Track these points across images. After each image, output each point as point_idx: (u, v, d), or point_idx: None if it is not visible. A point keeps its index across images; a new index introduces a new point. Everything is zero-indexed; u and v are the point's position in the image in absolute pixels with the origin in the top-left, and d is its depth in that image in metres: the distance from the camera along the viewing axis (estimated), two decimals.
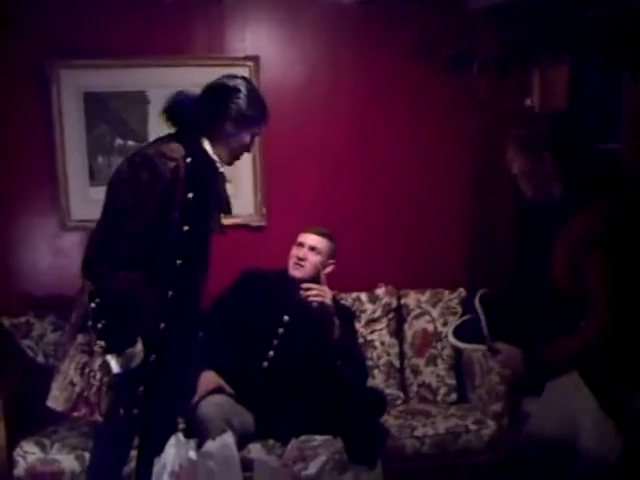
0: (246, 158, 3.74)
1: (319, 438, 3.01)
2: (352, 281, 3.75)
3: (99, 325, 2.40)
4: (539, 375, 2.44)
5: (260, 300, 3.25)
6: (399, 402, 3.67)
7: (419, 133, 3.93)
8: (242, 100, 2.57)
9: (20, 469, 3.14)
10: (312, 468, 2.42)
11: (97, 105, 3.69)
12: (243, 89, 2.59)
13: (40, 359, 3.51)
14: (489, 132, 3.80)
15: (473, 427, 3.39)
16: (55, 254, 3.76)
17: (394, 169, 3.94)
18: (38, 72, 3.61)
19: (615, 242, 2.23)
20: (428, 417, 3.47)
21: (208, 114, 2.57)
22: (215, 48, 3.77)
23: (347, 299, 3.74)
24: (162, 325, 2.52)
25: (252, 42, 3.79)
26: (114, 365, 2.43)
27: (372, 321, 3.75)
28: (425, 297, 3.83)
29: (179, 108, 2.58)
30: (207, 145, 2.57)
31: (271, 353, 3.17)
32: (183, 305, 2.58)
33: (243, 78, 2.67)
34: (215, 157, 2.59)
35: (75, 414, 2.50)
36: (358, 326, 3.65)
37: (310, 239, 3.24)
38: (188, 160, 2.49)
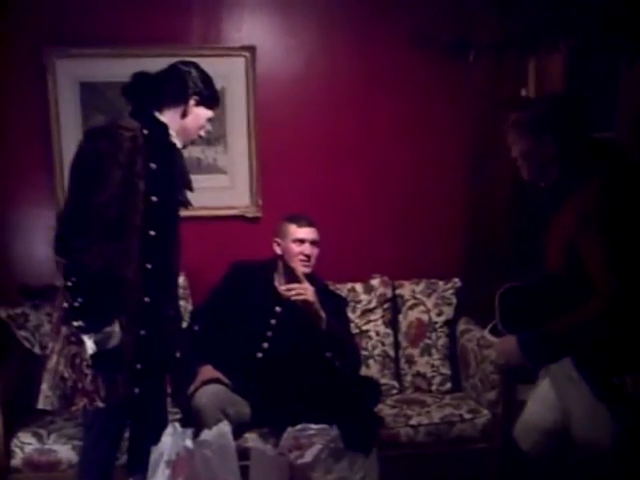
0: (242, 149, 3.81)
1: (314, 427, 3.02)
2: (347, 272, 3.78)
3: (75, 304, 2.39)
4: (537, 357, 2.42)
5: (251, 292, 3.26)
6: (394, 392, 3.69)
7: (415, 122, 3.93)
8: (198, 80, 2.63)
9: (17, 459, 3.15)
10: (308, 456, 2.43)
11: (93, 95, 3.68)
12: (196, 71, 2.64)
13: (36, 350, 3.49)
14: (485, 120, 3.81)
15: (467, 416, 3.40)
16: (51, 245, 3.74)
17: (390, 159, 3.94)
18: (34, 62, 3.60)
19: (612, 222, 2.23)
20: (423, 406, 3.48)
21: (165, 92, 2.61)
22: (211, 38, 3.78)
23: (342, 290, 3.75)
24: (147, 299, 2.53)
25: (248, 32, 3.80)
26: (90, 345, 2.41)
27: (367, 311, 3.77)
28: (420, 287, 3.85)
29: (135, 86, 2.62)
30: (164, 118, 2.60)
31: (265, 344, 3.18)
32: (163, 278, 2.60)
33: (194, 63, 2.70)
34: (172, 132, 2.61)
35: (74, 408, 2.50)
36: (353, 316, 3.68)
37: (309, 234, 3.24)
38: (145, 132, 2.52)
